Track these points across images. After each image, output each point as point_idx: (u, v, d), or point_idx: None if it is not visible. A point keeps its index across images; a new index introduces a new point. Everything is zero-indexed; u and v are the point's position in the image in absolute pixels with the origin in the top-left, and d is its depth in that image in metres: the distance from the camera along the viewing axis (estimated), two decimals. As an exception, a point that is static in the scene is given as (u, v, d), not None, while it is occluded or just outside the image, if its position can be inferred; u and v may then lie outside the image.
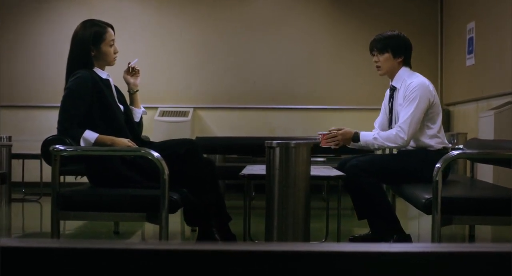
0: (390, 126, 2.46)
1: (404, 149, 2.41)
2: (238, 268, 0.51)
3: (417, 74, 2.42)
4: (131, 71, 2.34)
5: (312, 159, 4.68)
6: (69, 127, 2.05)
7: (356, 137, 2.40)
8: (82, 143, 2.05)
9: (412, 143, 2.38)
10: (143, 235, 2.93)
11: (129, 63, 2.35)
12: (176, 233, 2.91)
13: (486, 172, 3.41)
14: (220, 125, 5.23)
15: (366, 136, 2.38)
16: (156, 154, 1.87)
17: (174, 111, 5.10)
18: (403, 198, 2.29)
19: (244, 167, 2.51)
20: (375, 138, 2.36)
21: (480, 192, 2.22)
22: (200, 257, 0.51)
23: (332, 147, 2.44)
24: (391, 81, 2.46)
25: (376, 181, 2.30)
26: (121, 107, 2.23)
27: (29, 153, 4.22)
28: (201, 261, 0.51)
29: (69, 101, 2.08)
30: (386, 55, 2.40)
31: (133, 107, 2.32)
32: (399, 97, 2.40)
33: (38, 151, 2.08)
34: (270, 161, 2.00)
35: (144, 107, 2.44)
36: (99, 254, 0.52)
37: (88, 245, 0.52)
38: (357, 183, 2.29)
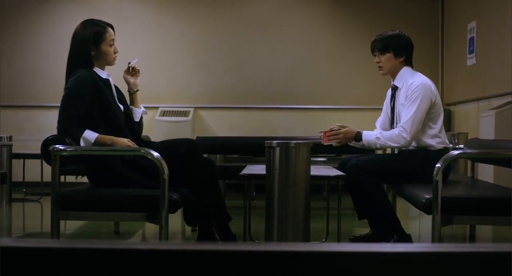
0: (392, 125, 2.46)
1: (405, 149, 2.41)
2: (238, 268, 0.51)
3: (419, 73, 2.42)
4: (131, 71, 2.34)
5: (313, 159, 4.69)
6: (69, 127, 2.05)
7: (358, 137, 2.40)
8: (82, 143, 2.05)
9: (413, 143, 2.38)
10: (144, 235, 2.94)
11: (129, 63, 2.35)
12: (176, 233, 2.91)
13: (487, 172, 3.41)
14: (221, 125, 5.23)
15: (369, 136, 2.38)
16: (156, 154, 1.87)
17: (175, 111, 5.11)
18: (403, 198, 2.29)
19: (244, 167, 2.51)
20: (377, 138, 2.36)
21: (480, 192, 2.22)
22: (200, 257, 0.51)
23: (334, 144, 2.43)
24: (393, 81, 2.46)
25: (376, 180, 2.29)
26: (121, 107, 2.23)
27: (29, 153, 4.22)
28: (201, 261, 0.51)
29: (69, 101, 2.08)
30: (388, 55, 2.40)
31: (133, 107, 2.32)
32: (400, 96, 2.40)
33: (39, 151, 2.08)
34: (270, 161, 2.00)
35: (144, 107, 2.45)
36: (99, 254, 0.52)
37: (88, 245, 0.52)
38: (357, 183, 2.29)
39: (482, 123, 3.69)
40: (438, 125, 2.37)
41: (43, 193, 4.22)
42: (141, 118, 2.35)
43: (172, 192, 1.92)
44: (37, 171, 4.28)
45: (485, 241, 2.80)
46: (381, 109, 2.60)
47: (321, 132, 2.43)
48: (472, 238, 2.73)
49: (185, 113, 5.08)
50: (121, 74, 2.35)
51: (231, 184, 4.53)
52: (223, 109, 5.25)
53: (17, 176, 4.40)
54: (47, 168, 1.98)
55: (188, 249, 0.52)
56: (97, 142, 2.06)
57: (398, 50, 2.40)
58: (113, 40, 2.19)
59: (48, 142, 2.00)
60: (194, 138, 4.10)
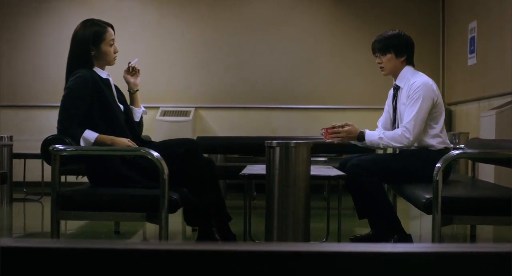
0: (393, 125, 2.46)
1: (405, 148, 2.40)
2: (238, 268, 0.51)
3: (421, 73, 2.42)
4: (131, 71, 2.34)
5: (313, 158, 4.69)
6: (69, 127, 2.05)
7: (361, 137, 2.40)
8: (82, 143, 2.05)
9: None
10: (144, 235, 2.94)
11: (129, 63, 2.35)
12: (177, 233, 2.91)
13: (487, 172, 3.41)
14: (222, 124, 5.23)
15: (371, 136, 2.38)
16: (156, 153, 1.87)
17: (176, 111, 5.11)
18: (403, 198, 2.29)
19: (245, 167, 2.51)
20: (380, 138, 2.36)
21: (480, 192, 2.22)
22: (200, 257, 0.51)
23: (336, 141, 2.43)
24: (395, 80, 2.45)
25: (377, 180, 2.29)
26: (121, 106, 2.23)
27: (30, 152, 4.22)
28: (201, 261, 0.51)
29: (69, 101, 2.08)
30: (389, 55, 2.40)
31: (133, 107, 2.32)
32: (402, 96, 2.40)
33: (39, 151, 2.08)
34: (270, 161, 2.00)
35: (145, 107, 2.44)
36: (98, 254, 0.52)
37: (87, 245, 0.52)
38: (358, 183, 2.28)
39: (482, 123, 3.69)
40: (439, 125, 2.37)
41: (44, 193, 4.22)
42: (141, 118, 2.35)
43: (172, 192, 1.92)
44: (38, 171, 4.28)
45: (485, 241, 2.80)
46: (382, 109, 2.60)
47: (322, 129, 2.42)
48: (473, 238, 2.73)
49: (185, 113, 5.09)
50: (121, 74, 2.35)
51: (231, 184, 4.53)
52: (224, 109, 5.25)
53: (17, 176, 4.40)
54: (48, 168, 1.98)
55: (188, 249, 0.52)
56: (97, 142, 2.06)
57: (399, 50, 2.40)
58: (113, 40, 2.19)
59: (48, 142, 2.00)
60: (195, 138, 4.10)
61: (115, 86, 2.26)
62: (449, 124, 4.91)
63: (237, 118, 5.23)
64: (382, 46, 2.40)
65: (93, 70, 2.16)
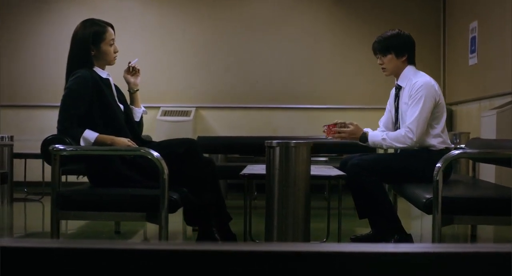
0: (395, 125, 2.46)
1: (408, 149, 2.40)
2: (238, 268, 0.51)
3: (422, 73, 2.41)
4: (131, 71, 2.34)
5: (314, 158, 4.68)
6: (69, 127, 2.05)
7: (364, 138, 2.39)
8: (82, 143, 2.05)
9: (416, 143, 2.38)
10: (145, 235, 2.94)
11: (129, 63, 2.35)
12: (177, 233, 2.91)
13: (488, 172, 3.41)
14: (222, 124, 5.23)
15: (375, 137, 2.38)
16: (155, 153, 1.87)
17: (176, 111, 5.11)
18: (404, 197, 2.29)
19: (245, 166, 2.51)
20: (383, 139, 2.35)
21: (481, 191, 2.21)
22: (200, 257, 0.51)
23: (337, 139, 2.44)
24: (397, 80, 2.45)
25: (378, 180, 2.29)
26: (121, 106, 2.23)
27: (31, 152, 4.22)
28: (201, 261, 0.51)
29: (69, 101, 2.08)
30: (389, 56, 2.39)
31: (133, 107, 2.32)
32: (404, 96, 2.39)
33: (39, 151, 2.08)
34: (270, 161, 2.00)
35: (146, 107, 2.44)
36: (98, 254, 0.52)
37: (87, 245, 0.52)
38: (358, 182, 2.28)
39: (483, 122, 3.69)
40: (440, 125, 2.36)
41: (45, 193, 4.22)
42: (141, 117, 2.35)
43: (172, 192, 1.92)
44: (39, 171, 4.28)
45: (486, 241, 2.80)
46: (382, 108, 2.60)
47: (324, 126, 2.42)
48: (473, 238, 2.73)
49: (186, 113, 5.09)
50: (121, 74, 2.35)
51: (232, 184, 4.53)
52: (224, 109, 5.25)
53: (18, 176, 4.40)
54: (49, 168, 1.98)
55: (188, 249, 0.52)
56: (97, 142, 2.06)
57: (399, 49, 2.40)
58: (113, 39, 2.19)
59: (48, 142, 2.00)
60: (195, 138, 4.10)
61: (115, 86, 2.26)
62: (450, 124, 4.91)
63: (237, 118, 5.23)
64: (382, 47, 2.40)
65: (93, 70, 2.16)
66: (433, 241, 1.88)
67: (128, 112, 2.26)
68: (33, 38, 5.25)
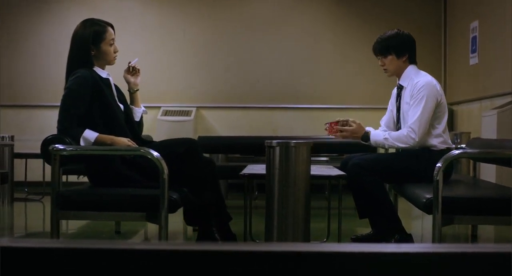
0: (397, 125, 2.46)
1: (410, 149, 2.40)
2: (238, 268, 0.51)
3: (424, 72, 2.41)
4: (132, 71, 2.34)
5: (315, 158, 4.67)
6: (69, 127, 2.05)
7: (366, 137, 2.39)
8: (82, 143, 2.04)
9: (417, 143, 2.37)
10: (146, 235, 2.94)
11: (129, 63, 2.35)
12: (178, 233, 2.91)
13: (489, 172, 3.41)
14: (223, 124, 5.23)
15: (377, 136, 2.38)
16: (155, 153, 1.87)
17: (177, 111, 5.11)
18: (404, 197, 2.29)
19: (246, 166, 2.51)
20: (385, 139, 2.35)
21: (481, 191, 2.21)
22: (200, 257, 0.51)
23: (339, 138, 2.44)
24: (399, 80, 2.45)
25: (378, 180, 2.29)
26: (121, 106, 2.23)
27: (31, 152, 4.22)
28: (201, 261, 0.51)
29: (69, 101, 2.08)
30: (390, 57, 2.39)
31: (133, 107, 2.32)
32: (406, 95, 2.39)
33: (40, 151, 2.08)
34: (270, 161, 2.00)
35: (146, 107, 2.44)
36: (98, 254, 0.52)
37: (87, 245, 0.52)
38: (359, 182, 2.28)
39: (484, 122, 3.68)
40: (442, 125, 2.36)
41: (45, 193, 4.23)
42: (141, 117, 2.35)
43: (172, 192, 1.92)
44: (39, 170, 4.28)
45: (486, 240, 2.80)
46: (383, 108, 2.60)
47: (326, 123, 2.42)
48: (474, 238, 2.73)
49: (187, 113, 5.09)
50: (121, 74, 2.35)
51: (233, 184, 4.53)
52: (225, 109, 5.25)
53: (19, 176, 4.40)
54: (49, 168, 1.98)
55: (188, 249, 0.52)
56: (97, 142, 2.06)
57: (400, 50, 2.39)
58: (113, 39, 2.19)
59: (48, 142, 2.00)
60: (196, 137, 4.10)
61: (115, 86, 2.26)
62: (450, 124, 4.90)
63: (238, 118, 5.23)
64: (382, 47, 2.39)
65: (93, 70, 2.16)
66: (433, 241, 1.88)
67: (128, 112, 2.26)
68: (33, 38, 5.26)
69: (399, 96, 2.45)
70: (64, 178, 4.10)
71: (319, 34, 5.28)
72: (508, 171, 3.14)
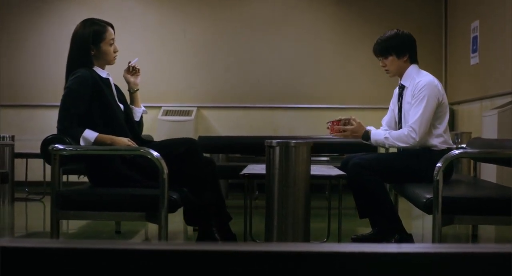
0: (399, 124, 2.45)
1: (410, 148, 2.40)
2: (238, 268, 0.51)
3: (426, 72, 2.41)
4: (132, 70, 2.34)
5: (316, 158, 4.67)
6: (68, 126, 2.05)
7: (366, 136, 2.39)
8: (81, 142, 2.04)
9: (417, 143, 2.37)
10: (146, 235, 2.94)
11: (129, 62, 2.35)
12: (178, 233, 2.91)
13: (490, 172, 3.40)
14: (224, 124, 5.23)
15: (377, 135, 2.38)
16: (155, 153, 1.87)
17: (178, 111, 5.11)
18: (405, 197, 2.29)
19: (246, 166, 2.51)
20: (386, 138, 2.35)
21: (481, 191, 2.21)
22: (200, 257, 0.51)
23: (340, 137, 2.44)
24: (400, 80, 2.45)
25: (379, 179, 2.29)
26: (121, 106, 2.23)
27: (32, 152, 4.22)
28: (201, 261, 0.51)
29: (69, 100, 2.08)
30: (391, 57, 2.39)
31: (133, 106, 2.32)
32: (407, 95, 2.39)
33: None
34: (270, 161, 2.00)
35: (147, 107, 2.44)
36: (98, 254, 0.52)
37: (87, 245, 0.52)
38: (359, 181, 2.28)
39: (485, 122, 3.68)
40: (443, 125, 2.36)
41: (46, 193, 4.23)
42: (141, 117, 2.35)
43: (171, 192, 1.92)
44: (40, 170, 4.29)
45: (487, 240, 2.80)
46: (384, 108, 2.60)
47: (328, 122, 2.42)
48: (474, 238, 2.73)
49: (188, 113, 5.09)
50: (121, 73, 2.35)
51: (234, 184, 4.53)
52: (226, 109, 5.25)
53: (19, 176, 4.41)
54: (50, 168, 1.98)
55: (188, 249, 0.52)
56: (97, 142, 2.06)
57: (400, 50, 2.39)
58: (113, 39, 2.19)
59: (47, 142, 2.00)
60: (196, 137, 4.10)
61: (115, 86, 2.26)
62: (451, 123, 4.90)
63: (239, 118, 5.23)
64: (382, 48, 2.39)
65: (93, 70, 2.16)
66: (433, 241, 1.88)
67: (128, 112, 2.26)
68: (33, 38, 5.26)
69: (400, 96, 2.45)
70: (64, 178, 4.11)
71: (320, 34, 5.28)
72: (509, 171, 3.14)
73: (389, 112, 2.56)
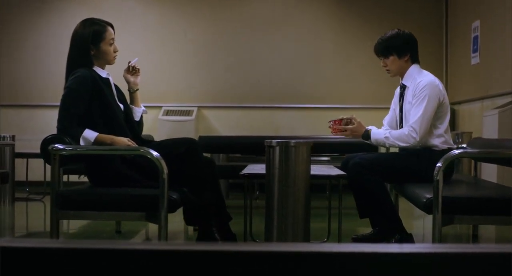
0: (400, 124, 2.45)
1: (411, 148, 2.40)
2: (238, 268, 0.51)
3: (427, 72, 2.41)
4: (131, 70, 2.34)
5: (316, 158, 4.66)
6: (68, 126, 2.05)
7: (366, 135, 2.39)
8: (81, 142, 2.04)
9: (418, 142, 2.37)
10: (147, 234, 2.94)
11: (129, 62, 2.35)
12: (178, 233, 2.91)
13: (490, 172, 3.40)
14: (224, 124, 5.23)
15: (377, 135, 2.38)
16: (155, 153, 1.87)
17: (178, 110, 5.11)
18: (405, 197, 2.29)
19: (246, 166, 2.51)
20: (386, 137, 2.35)
21: (481, 191, 2.21)
22: (200, 257, 0.51)
23: (341, 136, 2.45)
24: (401, 80, 2.45)
25: (379, 179, 2.29)
26: (121, 106, 2.23)
27: (32, 152, 4.22)
28: (201, 261, 0.51)
29: (69, 100, 2.08)
30: (391, 57, 2.39)
31: (133, 106, 2.32)
32: (408, 95, 2.39)
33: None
34: (270, 160, 2.00)
35: (148, 107, 2.44)
36: (98, 254, 0.52)
37: (87, 245, 0.52)
38: (360, 181, 2.28)
39: (485, 122, 3.68)
40: (444, 125, 2.36)
41: (46, 193, 4.23)
42: (141, 117, 2.35)
43: (171, 192, 1.92)
44: (40, 170, 4.29)
45: (487, 240, 2.80)
46: (385, 108, 2.60)
47: (330, 121, 2.42)
48: (475, 238, 2.73)
49: (188, 113, 5.09)
50: (121, 73, 2.35)
51: (234, 184, 4.53)
52: (227, 109, 5.25)
53: (20, 176, 4.41)
54: (50, 168, 1.98)
55: (188, 249, 0.52)
56: (96, 141, 2.06)
57: (401, 50, 2.39)
58: (112, 39, 2.19)
59: (47, 142, 2.00)
60: (197, 137, 4.10)
61: (115, 85, 2.26)
62: (452, 123, 4.90)
63: (239, 118, 5.24)
64: (384, 48, 2.39)
65: (93, 69, 2.16)
66: (433, 241, 1.87)
67: (128, 112, 2.26)
68: (33, 38, 5.26)
69: (402, 95, 2.45)
70: (65, 177, 4.11)
71: (320, 33, 5.28)
72: (509, 171, 3.13)
73: (390, 112, 2.56)
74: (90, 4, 5.23)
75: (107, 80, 2.20)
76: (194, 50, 5.27)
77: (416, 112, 2.31)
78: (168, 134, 4.52)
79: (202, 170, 2.14)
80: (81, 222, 3.14)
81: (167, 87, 5.25)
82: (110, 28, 2.19)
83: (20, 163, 4.38)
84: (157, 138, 2.94)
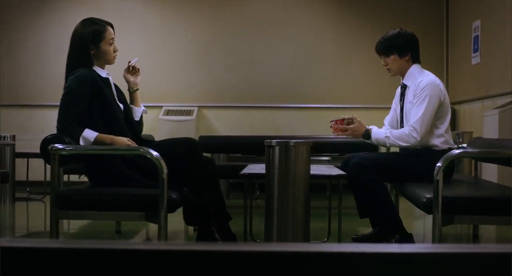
0: (401, 124, 2.45)
1: (411, 147, 2.40)
2: (238, 268, 0.51)
3: (428, 72, 2.41)
4: (131, 70, 2.34)
5: (317, 158, 4.66)
6: (68, 126, 2.05)
7: (367, 135, 2.39)
8: (81, 142, 2.04)
9: (418, 142, 2.37)
10: (147, 234, 2.94)
11: (129, 62, 2.35)
12: (178, 233, 2.91)
13: (491, 172, 3.40)
14: (225, 124, 5.23)
15: (378, 134, 2.38)
16: (155, 153, 1.87)
17: (179, 110, 5.11)
18: (405, 197, 2.29)
19: (247, 166, 2.51)
20: (387, 137, 2.35)
21: (482, 191, 2.21)
22: (200, 257, 0.51)
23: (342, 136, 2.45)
24: (402, 79, 2.45)
25: (379, 179, 2.29)
26: (121, 105, 2.23)
27: (32, 152, 4.22)
28: (201, 261, 0.51)
29: (69, 100, 2.08)
30: (392, 56, 2.39)
31: (133, 106, 2.32)
32: (409, 95, 2.39)
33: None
34: (269, 160, 2.00)
35: (148, 106, 2.44)
36: (98, 254, 0.52)
37: (87, 245, 0.52)
38: (360, 181, 2.28)
39: (486, 122, 3.68)
40: (444, 125, 2.36)
41: (47, 192, 4.23)
42: (141, 117, 2.35)
43: (171, 191, 1.92)
44: (41, 170, 4.29)
45: (487, 240, 2.80)
46: (386, 108, 2.60)
47: (332, 121, 2.42)
48: (475, 238, 2.73)
49: (189, 112, 5.09)
50: (121, 73, 2.35)
51: (235, 184, 4.53)
52: (227, 108, 5.25)
53: (20, 176, 4.41)
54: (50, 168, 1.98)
55: (188, 249, 0.52)
56: (96, 141, 2.06)
57: (402, 49, 2.39)
58: (112, 39, 2.19)
59: (47, 141, 2.00)
60: (197, 137, 4.11)
61: (115, 85, 2.26)
62: (452, 123, 4.90)
63: (240, 118, 5.24)
64: (385, 47, 2.39)
65: (93, 69, 2.16)
66: (433, 241, 1.87)
67: (128, 112, 2.26)
68: (33, 37, 5.26)
69: (403, 95, 2.45)
70: (65, 177, 4.11)
71: (321, 33, 5.28)
72: (510, 171, 3.13)
73: (391, 112, 2.56)
74: (90, 4, 5.23)
75: (107, 80, 2.20)
76: (194, 50, 5.27)
77: (416, 112, 2.31)
78: (168, 134, 4.52)
79: (202, 170, 2.14)
80: (81, 222, 3.14)
81: (168, 87, 5.25)
82: (110, 28, 2.19)
83: (20, 163, 4.38)
84: (158, 138, 2.95)
